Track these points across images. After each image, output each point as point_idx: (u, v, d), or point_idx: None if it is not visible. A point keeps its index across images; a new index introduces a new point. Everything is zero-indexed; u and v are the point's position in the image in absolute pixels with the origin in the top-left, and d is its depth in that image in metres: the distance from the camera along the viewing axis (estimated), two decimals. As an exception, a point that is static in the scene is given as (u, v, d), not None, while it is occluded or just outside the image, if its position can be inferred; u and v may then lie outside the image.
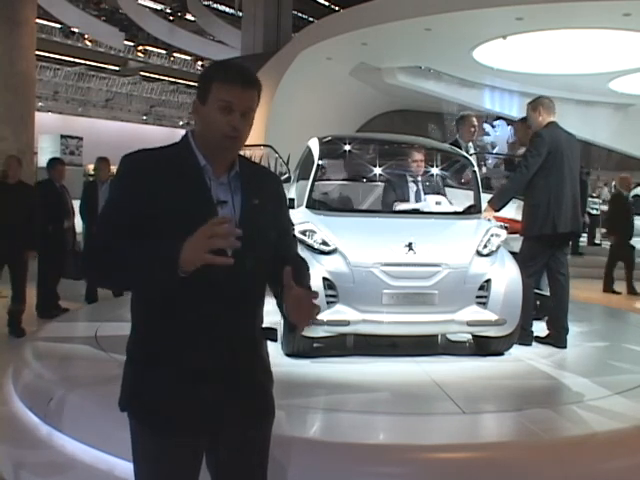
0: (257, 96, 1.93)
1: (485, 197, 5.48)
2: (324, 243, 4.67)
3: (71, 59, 30.00)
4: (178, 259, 1.70)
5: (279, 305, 2.01)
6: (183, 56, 30.88)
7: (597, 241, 15.54)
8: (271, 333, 2.06)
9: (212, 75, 1.90)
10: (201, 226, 1.80)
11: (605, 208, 15.31)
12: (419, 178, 5.86)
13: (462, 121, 6.90)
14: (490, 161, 8.17)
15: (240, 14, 23.16)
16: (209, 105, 1.88)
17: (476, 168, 5.72)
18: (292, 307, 1.88)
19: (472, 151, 6.83)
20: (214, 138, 1.88)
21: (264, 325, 2.05)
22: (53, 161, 8.36)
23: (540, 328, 5.39)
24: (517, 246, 5.39)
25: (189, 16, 28.71)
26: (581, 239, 14.74)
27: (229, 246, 1.72)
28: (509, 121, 18.31)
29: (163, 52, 30.60)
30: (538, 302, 5.73)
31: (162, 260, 1.73)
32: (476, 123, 6.98)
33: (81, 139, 19.19)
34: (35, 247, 7.02)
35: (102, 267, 1.86)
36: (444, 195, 5.86)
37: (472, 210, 5.40)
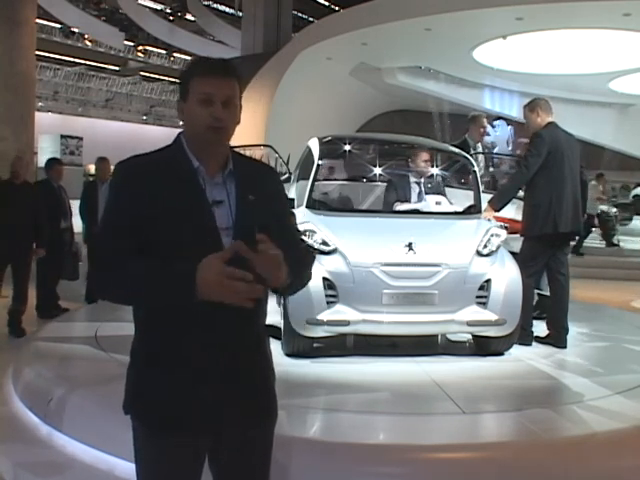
0: (236, 85, 1.92)
1: (486, 197, 5.48)
2: (324, 243, 4.67)
3: (71, 59, 30.04)
4: (194, 290, 1.72)
5: (274, 291, 1.98)
6: (183, 56, 30.91)
7: (614, 241, 15.32)
8: (274, 330, 2.06)
9: (189, 72, 1.92)
10: (196, 229, 1.82)
11: (605, 208, 15.28)
12: (420, 178, 5.86)
13: (473, 121, 6.95)
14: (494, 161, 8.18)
15: (240, 14, 23.19)
16: (190, 101, 1.89)
17: (476, 168, 5.72)
18: (261, 267, 1.77)
19: (480, 151, 6.88)
20: (199, 133, 1.88)
21: (267, 323, 2.04)
22: (51, 161, 8.34)
23: (540, 328, 5.39)
24: (517, 246, 5.39)
25: (189, 16, 28.76)
26: (600, 240, 14.71)
27: (246, 302, 1.73)
28: (509, 121, 18.31)
29: (163, 52, 30.66)
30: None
31: (179, 289, 1.75)
32: (486, 124, 7.05)
33: (81, 139, 19.24)
34: (44, 246, 7.02)
35: (116, 286, 1.87)
36: (444, 195, 5.85)
37: (472, 210, 5.40)
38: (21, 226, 6.74)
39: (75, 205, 8.33)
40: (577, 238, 10.85)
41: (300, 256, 2.00)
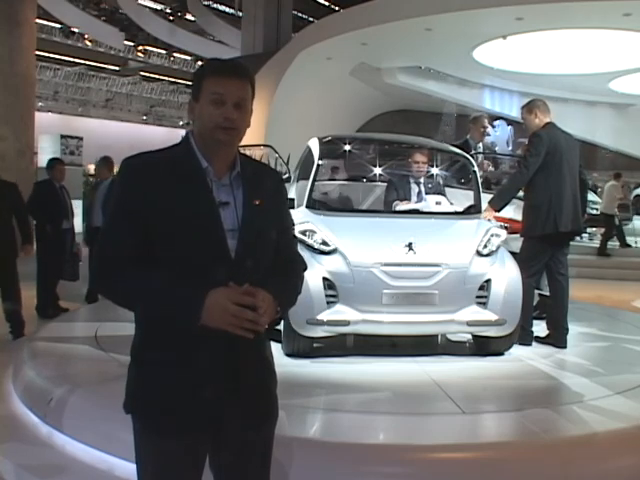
0: (249, 87, 1.92)
1: (486, 197, 5.48)
2: (324, 243, 4.67)
3: (71, 59, 30.00)
4: (199, 317, 1.75)
5: None
6: (183, 56, 30.88)
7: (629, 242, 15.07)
8: (274, 333, 2.06)
9: (202, 72, 1.92)
10: (201, 229, 1.82)
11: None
12: (420, 179, 5.85)
13: (474, 122, 6.99)
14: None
15: (240, 14, 23.16)
16: (202, 101, 1.89)
17: (476, 168, 5.72)
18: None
19: (481, 151, 6.91)
20: (209, 132, 1.88)
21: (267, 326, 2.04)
22: (53, 161, 8.30)
23: (540, 328, 5.39)
24: (517, 246, 5.39)
25: (189, 16, 28.71)
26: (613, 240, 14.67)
27: (252, 330, 1.77)
28: (509, 121, 18.33)
29: (163, 52, 30.61)
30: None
31: (183, 310, 1.78)
32: (487, 124, 7.08)
33: (81, 139, 19.16)
34: (30, 241, 6.88)
35: (118, 293, 1.88)
36: (444, 195, 5.85)
37: (472, 210, 5.40)
38: (1, 226, 6.59)
39: (76, 205, 8.32)
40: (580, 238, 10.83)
41: (293, 284, 2.04)
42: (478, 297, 4.66)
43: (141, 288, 1.82)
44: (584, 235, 14.38)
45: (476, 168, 5.71)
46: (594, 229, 15.63)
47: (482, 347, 4.94)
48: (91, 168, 21.53)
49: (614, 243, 14.77)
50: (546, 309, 5.66)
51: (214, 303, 1.75)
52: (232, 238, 1.87)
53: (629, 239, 14.99)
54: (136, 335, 1.95)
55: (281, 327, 4.63)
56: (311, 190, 5.34)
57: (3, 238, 6.61)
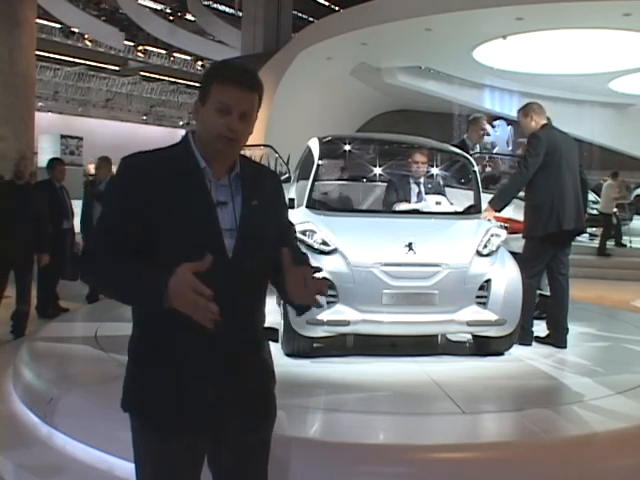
0: (257, 98, 1.91)
1: (486, 197, 5.48)
2: (324, 243, 4.67)
3: (71, 59, 30.01)
4: (164, 298, 1.68)
5: (282, 297, 2.00)
6: (183, 56, 30.90)
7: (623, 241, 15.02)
8: (272, 333, 2.06)
9: (212, 76, 1.89)
10: (198, 229, 1.82)
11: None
12: (420, 179, 5.86)
13: (473, 122, 7.01)
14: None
15: (240, 14, 23.18)
16: (208, 106, 1.87)
17: (476, 168, 5.72)
18: (296, 286, 1.88)
19: (478, 151, 6.93)
20: (211, 139, 1.87)
21: (265, 326, 2.04)
22: (53, 161, 8.29)
23: (540, 328, 5.39)
24: (517, 246, 5.39)
25: (189, 16, 28.73)
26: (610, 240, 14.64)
27: (206, 322, 1.67)
28: (509, 121, 18.34)
29: (163, 52, 30.63)
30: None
31: (150, 292, 1.72)
32: (486, 126, 7.11)
33: (81, 139, 19.17)
34: (47, 251, 6.90)
35: (98, 279, 1.88)
36: (444, 195, 5.85)
37: (472, 210, 5.40)
38: (23, 227, 6.64)
39: (76, 205, 8.31)
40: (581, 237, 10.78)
41: (303, 254, 2.05)
42: (478, 297, 4.66)
43: (115, 270, 1.79)
44: (584, 235, 14.35)
45: (476, 168, 5.71)
46: (594, 229, 15.62)
47: (482, 347, 4.94)
48: (91, 168, 21.53)
49: (613, 243, 14.76)
50: (546, 309, 5.66)
51: (173, 287, 1.66)
52: (230, 237, 1.87)
53: (624, 238, 14.98)
54: (134, 334, 1.95)
55: (279, 327, 4.64)
56: (311, 190, 5.34)
57: (25, 243, 6.63)
